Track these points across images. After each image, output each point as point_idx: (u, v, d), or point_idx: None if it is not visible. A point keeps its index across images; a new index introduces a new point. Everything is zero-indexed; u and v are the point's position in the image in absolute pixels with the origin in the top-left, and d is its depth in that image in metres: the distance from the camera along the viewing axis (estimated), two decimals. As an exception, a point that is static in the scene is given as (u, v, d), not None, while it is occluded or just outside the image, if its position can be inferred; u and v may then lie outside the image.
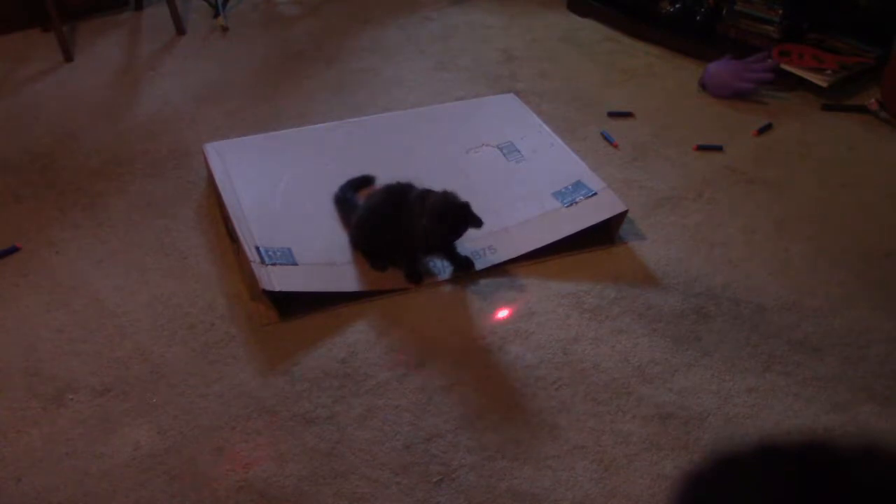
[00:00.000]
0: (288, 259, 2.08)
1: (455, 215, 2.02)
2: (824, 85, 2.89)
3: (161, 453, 1.70)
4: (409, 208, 2.06)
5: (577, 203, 2.28)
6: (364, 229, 2.14)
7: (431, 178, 2.15)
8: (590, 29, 3.48)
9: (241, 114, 2.86)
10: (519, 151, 2.52)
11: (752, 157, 2.63)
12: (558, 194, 2.32)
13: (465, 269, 2.14)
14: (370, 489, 1.63)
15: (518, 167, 2.47)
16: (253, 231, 2.14)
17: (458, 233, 2.06)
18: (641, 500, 1.62)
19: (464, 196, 2.06)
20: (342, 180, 2.33)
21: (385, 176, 2.33)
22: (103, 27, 3.48)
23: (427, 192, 2.06)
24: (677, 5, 3.34)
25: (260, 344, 1.96)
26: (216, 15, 3.53)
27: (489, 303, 2.07)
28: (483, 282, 2.13)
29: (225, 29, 3.45)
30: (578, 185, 2.34)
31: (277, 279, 2.00)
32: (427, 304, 2.07)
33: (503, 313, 2.05)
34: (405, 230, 2.06)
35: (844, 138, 2.74)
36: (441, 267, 2.17)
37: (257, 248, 2.07)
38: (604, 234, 2.25)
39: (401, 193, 2.10)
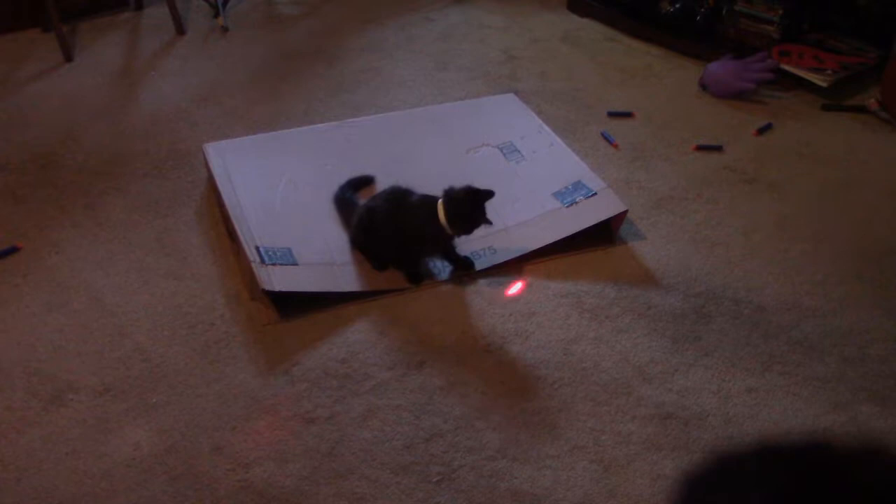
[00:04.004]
0: (288, 259, 2.08)
1: (477, 196, 2.02)
2: (824, 85, 2.89)
3: (161, 453, 1.70)
4: (411, 210, 2.06)
5: (577, 203, 2.28)
6: (364, 230, 2.14)
7: (431, 177, 2.15)
8: (590, 29, 3.48)
9: (241, 114, 2.86)
10: (519, 152, 2.52)
11: (752, 157, 2.63)
12: (558, 194, 2.32)
13: (465, 269, 2.14)
14: (370, 489, 1.63)
15: (518, 167, 2.46)
16: (253, 231, 2.14)
17: (479, 215, 2.03)
18: (641, 500, 1.62)
19: None
20: (342, 180, 2.33)
21: (385, 176, 2.33)
22: (103, 27, 3.48)
23: (424, 197, 2.08)
24: (677, 5, 3.34)
25: (260, 344, 1.96)
26: (216, 15, 3.53)
27: (489, 303, 2.07)
28: (483, 282, 2.13)
29: (225, 29, 3.45)
30: (578, 185, 2.34)
31: (277, 279, 2.00)
32: (427, 304, 2.07)
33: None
34: (406, 232, 2.06)
35: (844, 138, 2.74)
36: (441, 267, 2.17)
37: (257, 248, 2.07)
38: (604, 234, 2.25)
39: (402, 196, 2.10)
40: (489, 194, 2.02)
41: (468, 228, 2.05)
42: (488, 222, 2.05)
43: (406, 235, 2.07)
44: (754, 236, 2.30)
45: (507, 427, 1.76)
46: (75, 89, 3.02)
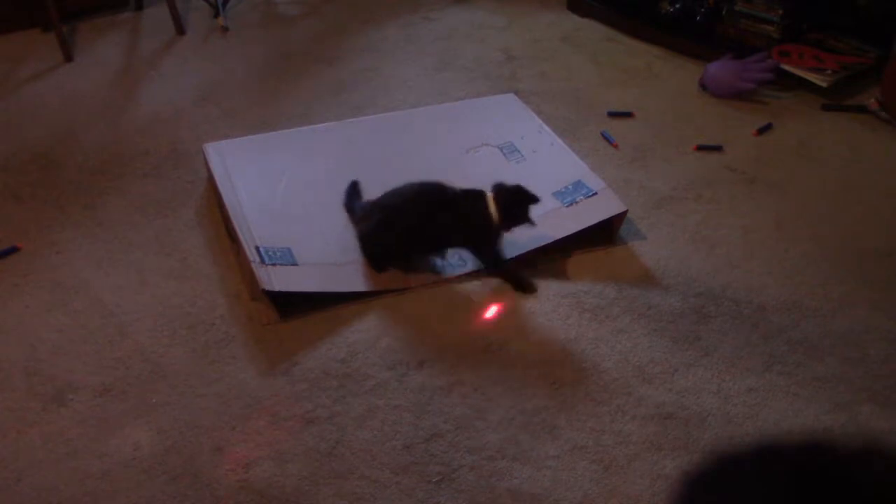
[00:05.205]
0: (288, 259, 2.08)
1: (527, 194, 2.08)
2: (824, 85, 2.89)
3: (161, 453, 1.70)
4: (456, 203, 2.07)
5: (577, 203, 2.28)
6: (387, 228, 2.09)
7: (431, 177, 2.14)
8: (590, 29, 3.48)
9: (241, 114, 2.86)
10: (519, 151, 2.52)
11: (752, 157, 2.63)
12: (558, 194, 2.32)
13: (494, 268, 2.13)
14: (370, 489, 1.63)
15: (518, 167, 2.46)
16: (253, 231, 2.14)
17: (524, 212, 2.09)
18: (641, 500, 1.62)
19: None
20: (342, 180, 2.32)
21: (385, 176, 2.33)
22: (103, 27, 3.48)
23: (466, 190, 2.10)
24: (677, 5, 3.34)
25: (260, 344, 1.96)
26: (216, 15, 3.53)
27: (489, 303, 2.07)
28: (483, 282, 2.13)
29: (225, 29, 3.45)
30: (578, 184, 2.34)
31: (277, 279, 2.00)
32: (427, 304, 2.07)
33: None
34: (448, 224, 2.07)
35: (844, 138, 2.74)
36: (441, 266, 2.17)
37: (257, 248, 2.07)
38: (604, 234, 2.25)
39: (438, 190, 2.10)
40: (535, 199, 2.08)
41: (516, 222, 2.09)
42: (532, 223, 2.09)
43: (448, 228, 2.08)
44: (754, 236, 2.30)
45: (507, 427, 1.76)
46: (75, 89, 3.02)
